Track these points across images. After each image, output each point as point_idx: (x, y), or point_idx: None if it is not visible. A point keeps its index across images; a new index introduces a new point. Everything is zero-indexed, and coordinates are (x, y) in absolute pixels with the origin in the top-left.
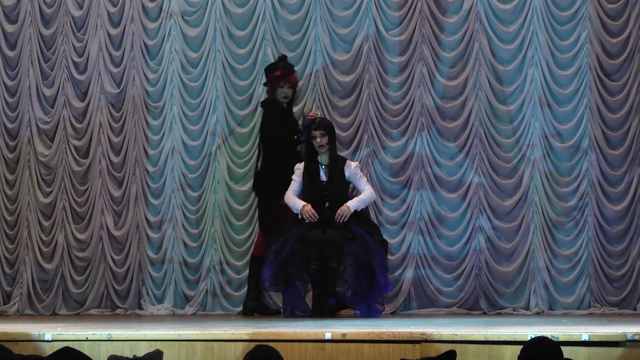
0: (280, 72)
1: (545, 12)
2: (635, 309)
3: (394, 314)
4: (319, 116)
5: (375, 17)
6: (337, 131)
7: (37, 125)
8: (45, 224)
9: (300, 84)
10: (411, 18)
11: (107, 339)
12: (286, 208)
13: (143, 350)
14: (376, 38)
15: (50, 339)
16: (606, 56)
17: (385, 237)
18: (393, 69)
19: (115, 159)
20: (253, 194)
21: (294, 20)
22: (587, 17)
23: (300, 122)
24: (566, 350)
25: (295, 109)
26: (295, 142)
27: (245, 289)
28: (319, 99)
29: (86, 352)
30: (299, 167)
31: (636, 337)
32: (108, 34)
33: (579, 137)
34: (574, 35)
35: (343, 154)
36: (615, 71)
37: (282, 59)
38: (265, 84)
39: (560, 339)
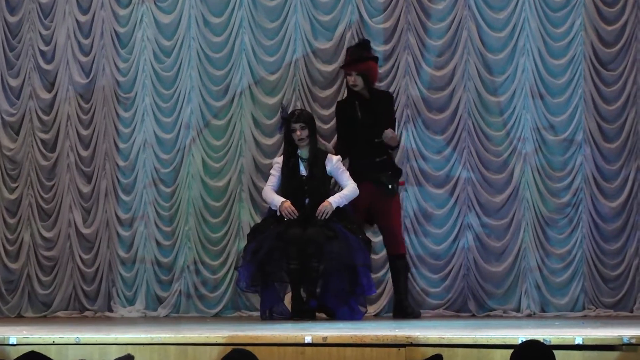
0: (346, 59)
1: None
2: (631, 311)
3: (377, 316)
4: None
5: (358, 4)
6: (318, 123)
7: (1, 117)
8: (10, 221)
9: (278, 73)
10: (396, 4)
11: (75, 342)
12: None
13: (113, 354)
14: (359, 25)
15: (15, 343)
16: (601, 44)
17: (368, 235)
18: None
19: (84, 153)
20: (229, 190)
21: (272, 6)
22: (581, 4)
23: (278, 114)
24: (559, 355)
25: (273, 100)
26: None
27: (220, 290)
28: (299, 90)
29: (53, 357)
30: (278, 162)
31: (632, 341)
32: (77, 21)
33: (573, 129)
34: (568, 22)
35: (328, 145)
36: (611, 60)
37: (359, 42)
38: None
39: (552, 343)
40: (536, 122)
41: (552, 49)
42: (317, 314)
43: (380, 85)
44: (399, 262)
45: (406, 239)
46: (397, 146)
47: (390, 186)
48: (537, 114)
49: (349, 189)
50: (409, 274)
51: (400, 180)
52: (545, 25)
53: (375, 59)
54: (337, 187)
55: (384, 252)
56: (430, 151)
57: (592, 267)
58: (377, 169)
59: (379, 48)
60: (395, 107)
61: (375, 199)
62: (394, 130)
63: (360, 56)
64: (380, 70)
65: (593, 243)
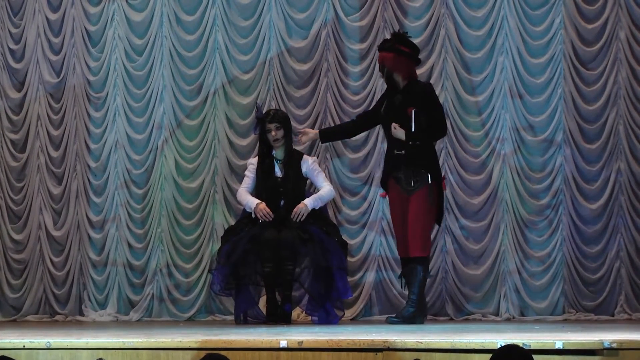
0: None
1: None
2: (612, 315)
3: (354, 320)
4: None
5: (334, 1)
6: (293, 123)
7: None
8: None
9: (253, 72)
10: (372, 2)
11: (45, 347)
12: None
13: (84, 359)
14: (335, 23)
15: None
16: (581, 43)
17: (344, 237)
18: (353, 56)
19: (54, 154)
20: (203, 192)
21: (246, 4)
22: (561, 2)
23: (253, 114)
24: (538, 359)
25: (247, 100)
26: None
27: (194, 294)
28: (273, 89)
29: None
30: (252, 162)
31: (614, 345)
32: (47, 19)
33: (553, 130)
34: (547, 20)
35: (299, 148)
36: (591, 59)
37: (393, 34)
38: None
39: (532, 347)
40: (515, 122)
41: (531, 48)
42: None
43: (356, 84)
44: (407, 266)
45: (383, 241)
46: (413, 141)
47: (408, 183)
48: (516, 113)
49: (324, 190)
50: (414, 282)
51: (428, 178)
52: (525, 24)
53: (404, 52)
54: (312, 189)
55: (360, 255)
56: None
57: (572, 270)
58: (394, 163)
59: (354, 47)
60: (432, 99)
61: (402, 197)
62: (437, 122)
63: (383, 45)
64: (356, 70)
65: (573, 246)
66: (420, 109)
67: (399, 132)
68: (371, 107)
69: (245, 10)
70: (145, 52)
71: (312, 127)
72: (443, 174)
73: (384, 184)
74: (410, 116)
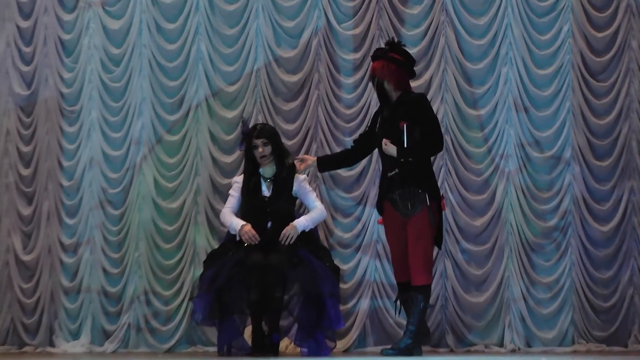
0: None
1: (521, 2)
2: (626, 346)
3: (346, 352)
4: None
5: (325, 8)
6: (282, 139)
7: None
8: None
9: (238, 84)
10: (367, 9)
11: None
12: None
13: None
14: (327, 32)
15: None
16: (591, 52)
17: (336, 262)
18: (346, 67)
19: (24, 172)
20: (184, 213)
21: (232, 10)
22: (569, 8)
23: (238, 129)
24: None
25: (232, 114)
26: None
27: (174, 323)
28: (260, 102)
29: None
30: (237, 181)
31: None
32: (17, 27)
33: (561, 146)
34: (554, 28)
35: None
36: (601, 70)
37: (387, 42)
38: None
39: None
40: (520, 137)
41: (537, 58)
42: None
43: (349, 97)
44: (406, 293)
45: (378, 266)
46: (405, 157)
47: (404, 206)
48: (521, 128)
49: (315, 211)
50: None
51: (427, 198)
52: (530, 32)
53: (395, 60)
54: (303, 209)
55: (353, 281)
56: None
57: (582, 297)
58: (388, 185)
59: (348, 56)
60: (425, 110)
61: (399, 220)
62: (432, 136)
63: (375, 55)
64: (350, 81)
65: (583, 271)
66: (413, 122)
67: (390, 149)
68: (366, 127)
69: (231, 17)
70: (123, 63)
71: (302, 143)
72: (442, 193)
73: (379, 206)
74: (402, 130)
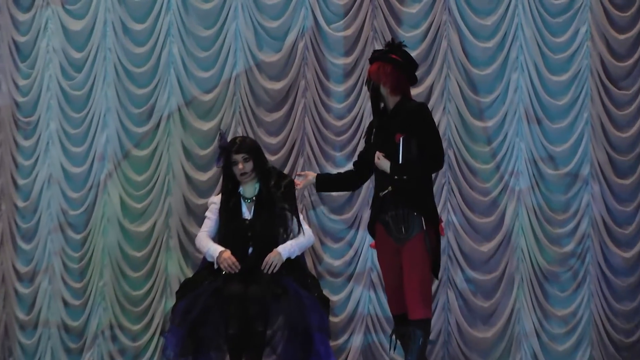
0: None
1: (533, 0)
2: None
3: None
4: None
5: (313, 7)
6: (265, 154)
7: None
8: None
9: (215, 92)
10: (360, 8)
11: None
12: None
13: None
14: (315, 33)
15: None
16: (612, 57)
17: (326, 292)
18: (336, 73)
19: None
20: (154, 237)
21: (208, 9)
22: (587, 7)
23: (215, 143)
24: None
25: (208, 125)
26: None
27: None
28: (240, 112)
29: None
30: (215, 202)
31: None
32: None
33: (578, 162)
34: (571, 30)
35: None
36: (623, 76)
37: (387, 43)
38: None
39: None
40: (532, 152)
41: (551, 63)
42: None
43: (340, 106)
44: (403, 327)
45: (372, 297)
46: (399, 175)
47: (398, 230)
48: (534, 142)
49: (302, 235)
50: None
51: (422, 222)
52: (543, 34)
53: (394, 62)
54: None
55: (345, 313)
56: None
57: (601, 331)
58: (380, 205)
59: (338, 61)
60: (424, 120)
61: (392, 246)
62: (430, 150)
63: (372, 57)
64: (340, 89)
65: (603, 302)
66: (411, 134)
67: (382, 163)
68: (364, 141)
69: (206, 17)
70: (86, 68)
71: (287, 158)
72: (441, 216)
73: (371, 229)
74: (398, 143)
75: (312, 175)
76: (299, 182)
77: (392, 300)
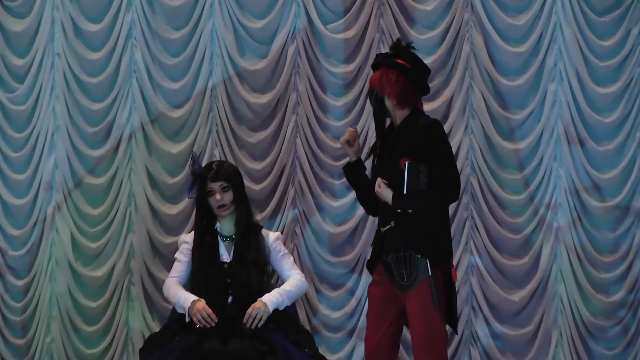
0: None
1: None
2: None
3: None
4: None
5: (306, 3)
6: (247, 183)
7: None
8: None
9: (186, 107)
10: (363, 4)
11: None
12: None
13: None
14: (308, 35)
15: None
16: None
17: (322, 350)
18: (335, 84)
19: None
20: (112, 283)
21: (177, 6)
22: None
23: (187, 168)
24: None
25: (178, 147)
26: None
27: None
28: (216, 132)
29: None
30: (186, 241)
31: None
32: None
33: (629, 192)
34: (620, 31)
35: (257, 218)
36: None
37: (392, 45)
38: None
39: None
40: (574, 180)
41: (596, 71)
42: None
43: (339, 124)
44: None
45: None
46: (403, 207)
47: (399, 275)
48: (575, 168)
49: (292, 282)
50: None
51: (427, 266)
52: (587, 36)
53: (400, 67)
54: (276, 280)
55: None
56: None
57: None
58: (382, 243)
59: (337, 69)
60: (436, 141)
61: (391, 292)
62: (443, 179)
63: (375, 62)
64: (339, 103)
65: None
66: (419, 157)
67: (384, 192)
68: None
69: (176, 15)
70: (29, 78)
71: (274, 188)
72: (461, 257)
73: (371, 266)
74: (403, 169)
75: (356, 147)
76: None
77: (371, 357)
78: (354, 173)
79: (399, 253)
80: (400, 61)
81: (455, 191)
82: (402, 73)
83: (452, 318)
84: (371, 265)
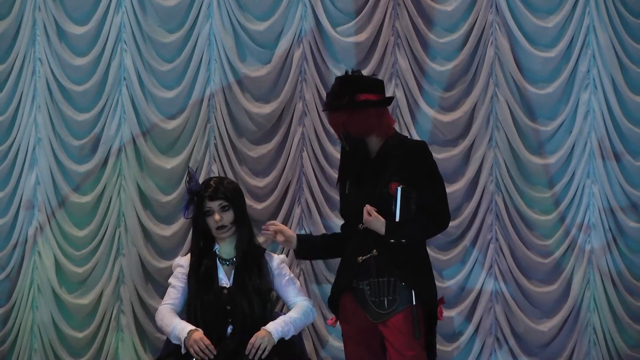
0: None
1: None
2: None
3: None
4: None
5: (314, 3)
6: (249, 201)
7: None
8: None
9: (181, 118)
10: (376, 4)
11: None
12: None
13: None
14: (315, 39)
15: None
16: None
17: None
18: None
19: None
20: (100, 311)
21: (171, 7)
22: None
23: (182, 185)
24: None
25: (173, 163)
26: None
27: None
28: (215, 145)
29: None
30: (182, 264)
31: None
32: None
33: None
34: None
35: (260, 240)
36: None
37: (339, 81)
38: None
39: None
40: (608, 198)
41: (633, 79)
42: None
43: None
44: None
45: None
46: (397, 237)
47: (378, 302)
48: (611, 185)
49: (299, 309)
50: None
51: (412, 295)
52: (623, 39)
53: (368, 103)
54: (281, 307)
55: None
56: (433, 248)
57: None
58: (356, 272)
59: None
60: (425, 165)
61: (367, 322)
62: (432, 207)
63: (331, 105)
64: None
65: None
66: (409, 182)
67: (374, 222)
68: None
69: (171, 16)
70: (8, 85)
71: (279, 207)
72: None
73: (333, 302)
74: (394, 195)
75: (290, 234)
76: (276, 236)
77: None
78: (305, 252)
79: (381, 279)
80: (363, 97)
81: (444, 223)
82: (371, 107)
83: (431, 354)
84: (335, 299)
